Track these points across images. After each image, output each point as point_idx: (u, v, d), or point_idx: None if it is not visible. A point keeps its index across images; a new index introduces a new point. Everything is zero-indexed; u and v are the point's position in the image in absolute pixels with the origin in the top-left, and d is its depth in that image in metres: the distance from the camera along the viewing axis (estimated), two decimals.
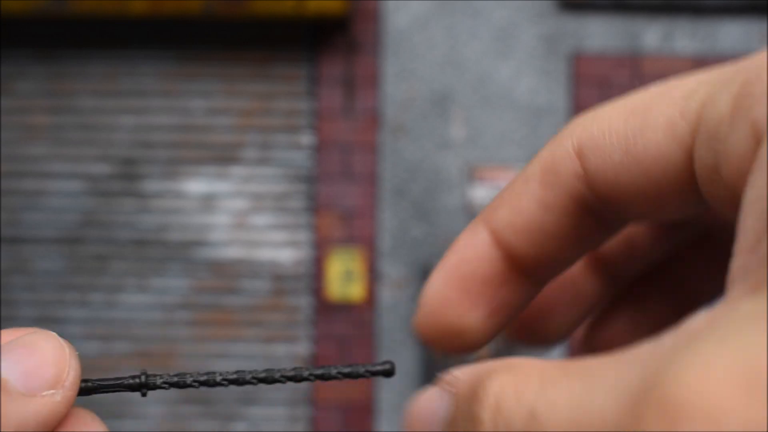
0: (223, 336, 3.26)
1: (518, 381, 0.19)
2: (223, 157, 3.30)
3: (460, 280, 0.26)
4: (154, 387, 0.25)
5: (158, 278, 3.28)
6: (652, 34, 3.27)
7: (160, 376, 0.25)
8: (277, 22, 3.22)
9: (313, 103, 3.28)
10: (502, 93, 3.28)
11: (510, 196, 0.26)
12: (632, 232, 0.30)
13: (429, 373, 3.17)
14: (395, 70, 3.26)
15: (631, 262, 0.30)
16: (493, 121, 3.27)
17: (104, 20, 3.24)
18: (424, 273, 3.24)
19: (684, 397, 0.15)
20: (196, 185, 3.30)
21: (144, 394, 0.25)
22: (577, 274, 0.30)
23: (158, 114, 3.31)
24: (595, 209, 0.25)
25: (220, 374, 0.25)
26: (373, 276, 3.22)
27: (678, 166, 0.22)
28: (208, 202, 3.30)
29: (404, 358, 3.24)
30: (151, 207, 3.30)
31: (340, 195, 3.24)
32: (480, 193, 3.26)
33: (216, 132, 3.30)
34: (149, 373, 0.25)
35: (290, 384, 3.26)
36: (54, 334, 0.24)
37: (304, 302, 3.27)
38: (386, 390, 3.24)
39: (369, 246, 3.22)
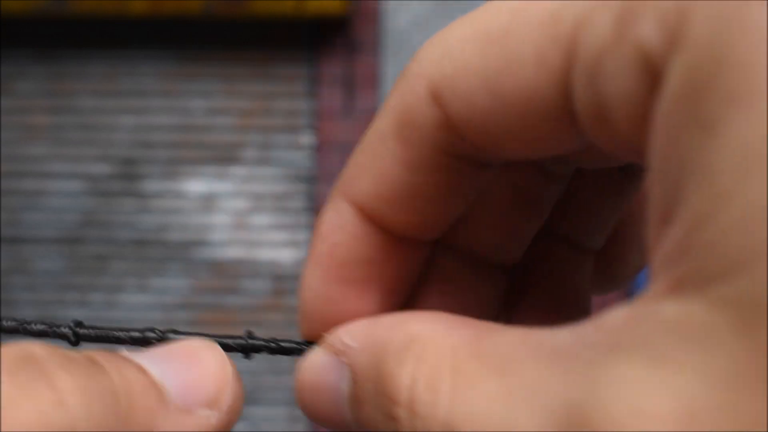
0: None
1: (430, 374, 0.17)
2: (223, 157, 3.30)
3: (338, 269, 0.22)
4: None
5: (158, 278, 3.28)
6: None
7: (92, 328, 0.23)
8: (277, 22, 3.22)
9: (313, 103, 3.28)
10: None
11: (368, 161, 0.22)
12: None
13: None
14: (395, 70, 3.26)
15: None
16: None
17: (104, 20, 3.24)
18: None
19: (608, 422, 0.13)
20: (196, 185, 3.30)
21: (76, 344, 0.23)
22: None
23: (158, 114, 3.31)
24: (466, 154, 0.21)
25: (138, 330, 0.23)
26: None
27: (554, 106, 0.18)
28: (208, 202, 3.30)
29: None
30: (151, 207, 3.30)
31: None
32: None
33: (216, 132, 3.30)
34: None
35: (290, 384, 3.27)
36: (218, 347, 0.22)
37: None
38: None
39: None
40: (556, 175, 0.24)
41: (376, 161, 0.22)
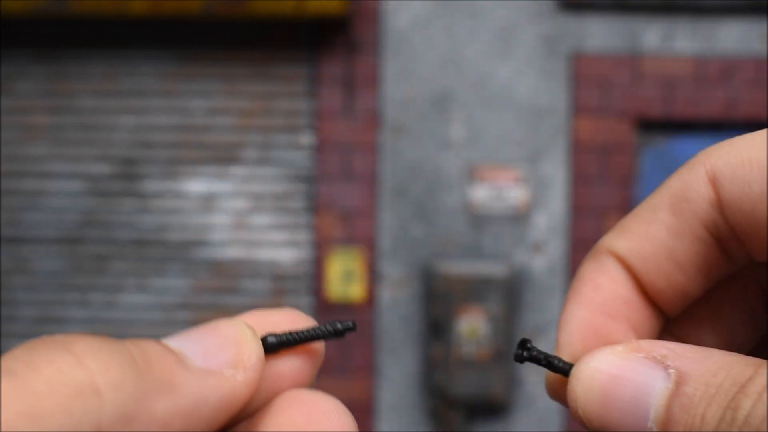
0: None
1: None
2: (223, 157, 3.30)
3: (601, 304, 0.25)
4: (342, 332, 0.25)
5: (158, 278, 3.28)
6: (652, 34, 3.27)
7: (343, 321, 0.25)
8: (277, 22, 3.22)
9: (313, 103, 3.28)
10: (502, 93, 3.28)
11: (636, 224, 0.25)
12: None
13: (429, 374, 3.17)
14: (395, 70, 3.26)
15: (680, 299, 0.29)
16: (493, 121, 3.27)
17: (104, 20, 3.24)
18: (423, 273, 3.24)
19: None
20: (196, 185, 3.30)
21: (342, 335, 0.25)
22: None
23: (158, 114, 3.31)
24: (723, 239, 0.24)
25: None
26: (373, 276, 3.22)
27: None
28: (208, 202, 3.30)
29: (404, 358, 3.24)
30: (151, 207, 3.30)
31: (340, 195, 3.24)
32: (480, 193, 3.26)
33: (216, 132, 3.30)
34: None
35: None
36: (240, 320, 0.24)
37: (304, 302, 3.27)
38: (386, 390, 3.24)
39: (369, 246, 3.22)
40: None
41: (644, 225, 0.25)
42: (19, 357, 0.19)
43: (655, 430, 0.22)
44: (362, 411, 3.21)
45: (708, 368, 0.21)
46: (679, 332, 0.27)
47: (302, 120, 3.30)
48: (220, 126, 3.30)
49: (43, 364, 0.19)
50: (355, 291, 3.21)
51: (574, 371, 0.24)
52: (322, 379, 3.21)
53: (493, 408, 3.22)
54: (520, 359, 0.26)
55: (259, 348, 0.23)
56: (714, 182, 0.23)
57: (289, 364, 0.24)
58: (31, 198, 3.31)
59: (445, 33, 3.28)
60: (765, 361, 0.21)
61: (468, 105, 3.27)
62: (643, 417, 0.22)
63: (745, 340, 0.28)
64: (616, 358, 0.23)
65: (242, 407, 0.23)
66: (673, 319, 0.27)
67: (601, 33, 3.26)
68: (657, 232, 0.24)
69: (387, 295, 3.24)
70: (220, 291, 3.29)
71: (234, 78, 3.30)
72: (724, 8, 3.24)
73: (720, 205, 0.23)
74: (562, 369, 0.25)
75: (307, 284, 3.27)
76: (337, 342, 3.21)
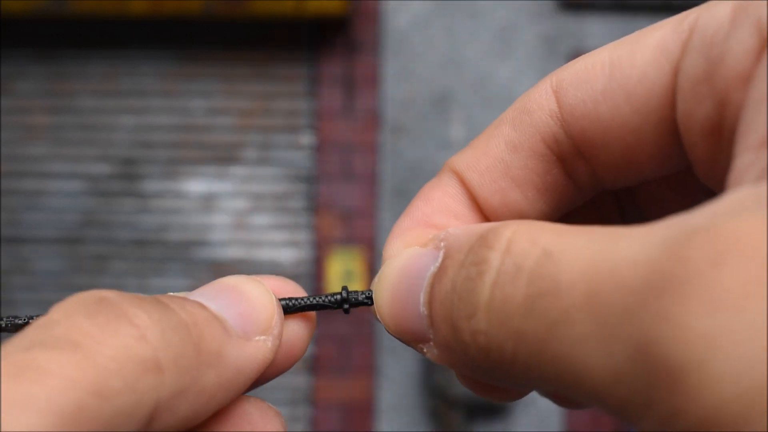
0: None
1: (533, 228, 0.18)
2: (223, 157, 3.30)
3: (428, 216, 0.24)
4: (356, 303, 0.24)
5: (158, 278, 3.28)
6: None
7: (361, 292, 0.25)
8: (277, 22, 3.22)
9: (313, 103, 3.28)
10: (502, 93, 3.27)
11: (480, 140, 0.24)
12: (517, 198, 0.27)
13: (429, 374, 3.17)
14: (395, 70, 3.26)
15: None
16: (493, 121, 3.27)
17: (104, 20, 3.24)
18: None
19: (733, 236, 0.14)
20: (196, 185, 3.30)
21: (347, 311, 0.25)
22: None
23: (158, 114, 3.31)
24: (566, 157, 0.23)
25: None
26: (372, 276, 3.22)
27: (664, 86, 0.20)
28: (208, 202, 3.30)
29: (404, 358, 3.24)
30: (151, 207, 3.30)
31: (340, 195, 3.24)
32: None
33: (216, 132, 3.30)
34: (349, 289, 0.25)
35: (290, 384, 3.26)
36: (258, 280, 0.24)
37: None
38: (386, 390, 3.25)
39: (369, 246, 3.22)
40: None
41: (484, 140, 0.24)
42: (82, 326, 0.18)
43: (425, 312, 0.21)
44: (362, 411, 3.21)
45: (466, 236, 0.20)
46: None
47: (302, 120, 3.30)
48: (220, 126, 3.30)
49: (108, 337, 0.18)
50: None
51: (374, 278, 0.23)
52: (321, 379, 3.21)
53: (493, 408, 3.22)
54: (346, 310, 0.25)
55: (281, 312, 0.23)
56: (557, 92, 0.22)
57: (290, 330, 0.24)
58: (31, 198, 3.31)
59: (445, 33, 3.28)
60: (525, 220, 0.20)
61: (468, 105, 3.27)
62: (417, 303, 0.21)
63: None
64: (406, 254, 0.22)
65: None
66: None
67: (601, 33, 3.26)
68: (495, 146, 0.23)
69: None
70: None
71: (234, 78, 3.30)
72: None
73: (561, 114, 0.22)
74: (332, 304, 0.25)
75: (307, 284, 3.27)
76: (337, 342, 3.21)
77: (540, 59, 3.27)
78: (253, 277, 0.24)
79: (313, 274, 3.26)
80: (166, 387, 0.19)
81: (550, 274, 0.16)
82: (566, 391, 0.16)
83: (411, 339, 0.22)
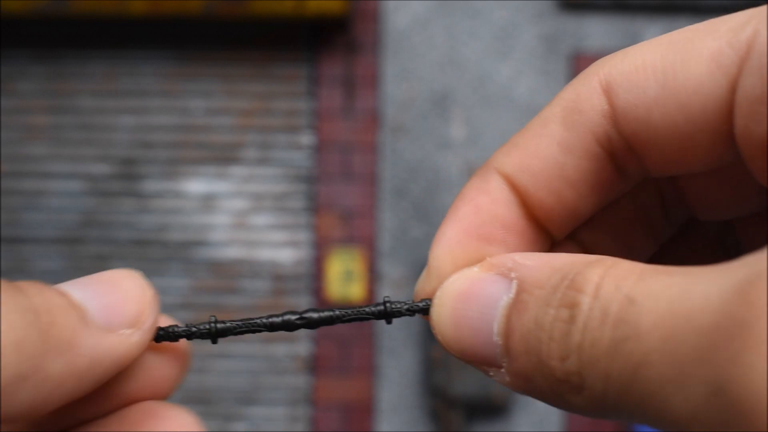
0: None
1: (618, 272, 0.19)
2: (223, 157, 3.30)
3: (478, 227, 0.24)
4: (225, 333, 0.24)
5: (158, 278, 3.28)
6: (652, 34, 3.27)
7: (229, 321, 0.24)
8: (277, 22, 3.22)
9: (313, 103, 3.28)
10: (502, 93, 3.27)
11: (525, 140, 0.23)
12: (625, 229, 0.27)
13: (429, 374, 3.17)
14: (395, 70, 3.26)
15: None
16: (493, 121, 3.27)
17: (104, 20, 3.24)
18: None
19: None
20: (196, 185, 3.30)
21: (215, 341, 0.24)
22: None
23: (158, 114, 3.31)
24: (617, 154, 0.23)
25: (278, 315, 0.24)
26: (373, 276, 3.22)
27: (719, 100, 0.20)
28: (208, 202, 3.30)
29: (404, 358, 3.24)
30: (151, 207, 3.30)
31: (340, 195, 3.24)
32: None
33: (216, 132, 3.30)
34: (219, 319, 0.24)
35: (290, 384, 3.26)
36: (138, 273, 0.23)
37: (304, 302, 3.27)
38: (386, 390, 3.24)
39: (369, 246, 3.22)
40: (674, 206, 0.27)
41: (534, 140, 0.23)
42: None
43: (500, 342, 0.21)
44: (362, 411, 3.21)
45: (544, 272, 0.21)
46: (576, 249, 0.26)
47: (302, 120, 3.30)
48: (220, 126, 3.30)
49: None
50: (355, 291, 3.21)
51: (434, 298, 0.23)
52: (321, 379, 3.21)
53: (493, 408, 3.22)
54: (388, 320, 0.25)
55: (156, 308, 0.22)
56: (608, 92, 0.22)
57: (155, 367, 0.23)
58: (31, 198, 3.31)
59: (445, 33, 3.28)
60: (605, 257, 0.20)
61: (468, 105, 3.27)
62: (489, 332, 0.21)
63: (642, 251, 0.27)
64: (467, 277, 0.22)
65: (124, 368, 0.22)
66: (560, 241, 0.26)
67: (601, 33, 3.26)
68: (547, 147, 0.23)
69: (387, 295, 3.24)
70: (220, 291, 3.29)
71: (234, 78, 3.30)
72: (724, 8, 3.24)
73: (614, 115, 0.22)
74: (423, 309, 0.24)
75: (307, 284, 3.27)
76: (336, 342, 3.21)
77: (540, 59, 3.27)
78: (136, 274, 0.23)
79: (313, 274, 3.26)
80: (3, 371, 0.18)
81: (633, 319, 0.17)
82: (652, 425, 0.18)
83: (478, 363, 0.22)
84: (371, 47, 3.24)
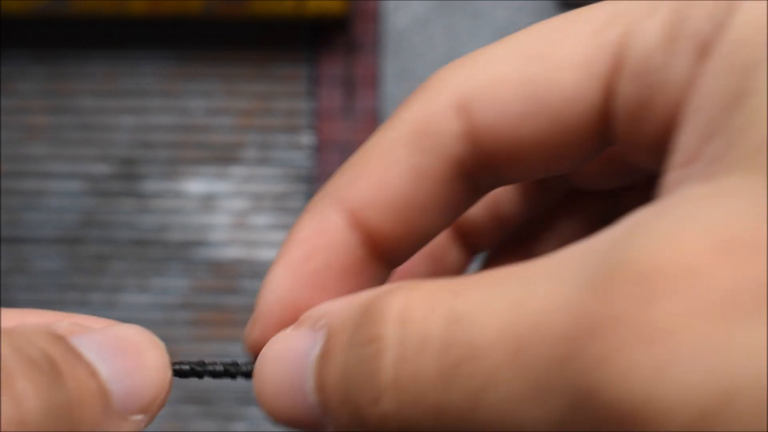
0: (223, 336, 3.26)
1: (424, 294, 0.16)
2: (223, 157, 3.30)
3: (311, 275, 0.22)
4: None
5: (158, 278, 3.28)
6: None
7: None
8: (277, 22, 3.22)
9: (313, 103, 3.28)
10: None
11: (370, 167, 0.21)
12: (497, 198, 0.26)
13: None
14: (395, 70, 3.26)
15: (497, 230, 0.26)
16: None
17: (104, 20, 3.24)
18: None
19: (658, 265, 0.13)
20: (196, 185, 3.30)
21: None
22: (440, 246, 0.26)
23: (158, 114, 3.31)
24: (473, 172, 0.21)
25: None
26: None
27: (593, 107, 0.19)
28: (208, 202, 3.30)
29: None
30: (151, 207, 3.30)
31: None
32: None
33: (216, 132, 3.31)
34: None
35: None
36: (160, 344, 0.22)
37: None
38: None
39: None
40: (549, 197, 0.25)
41: (380, 168, 0.21)
42: None
43: (315, 399, 0.19)
44: None
45: (346, 312, 0.18)
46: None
47: (302, 120, 3.30)
48: (220, 126, 3.31)
49: None
50: None
51: (255, 368, 0.21)
52: None
53: None
54: (188, 375, 0.22)
55: (169, 389, 0.21)
56: (462, 111, 0.20)
57: None
58: (31, 198, 3.32)
59: (444, 33, 3.28)
60: (406, 281, 0.17)
61: None
62: (303, 393, 0.19)
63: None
64: (282, 339, 0.20)
65: None
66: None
67: None
68: (396, 176, 0.20)
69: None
70: (220, 291, 3.29)
71: (234, 78, 3.30)
72: None
73: (472, 135, 0.20)
74: (244, 372, 0.22)
75: None
76: None
77: None
78: (158, 342, 0.22)
79: None
80: None
81: (465, 339, 0.15)
82: None
83: (305, 429, 0.20)
84: (371, 47, 3.25)
